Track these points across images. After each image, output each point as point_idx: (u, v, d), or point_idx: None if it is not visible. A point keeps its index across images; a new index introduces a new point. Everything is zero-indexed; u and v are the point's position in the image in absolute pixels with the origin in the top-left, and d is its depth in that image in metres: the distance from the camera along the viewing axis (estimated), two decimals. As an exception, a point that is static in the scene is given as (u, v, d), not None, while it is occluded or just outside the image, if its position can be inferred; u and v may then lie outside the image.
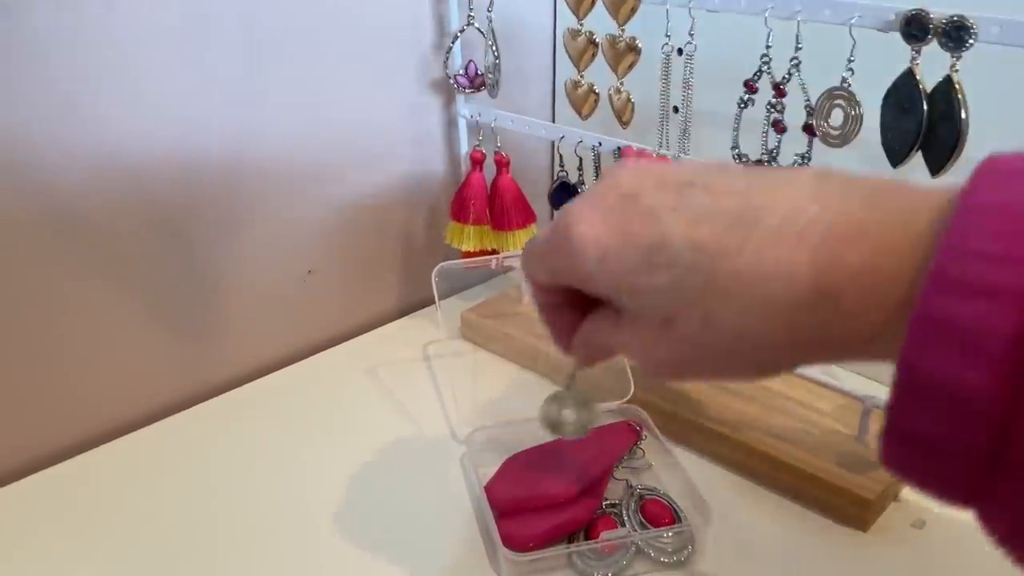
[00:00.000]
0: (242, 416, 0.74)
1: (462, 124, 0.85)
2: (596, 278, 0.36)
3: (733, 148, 0.67)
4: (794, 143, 0.64)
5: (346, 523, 0.61)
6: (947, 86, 0.53)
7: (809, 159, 0.63)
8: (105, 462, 0.68)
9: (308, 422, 0.73)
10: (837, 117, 0.59)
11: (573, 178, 0.79)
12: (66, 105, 0.62)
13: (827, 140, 0.60)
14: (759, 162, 0.66)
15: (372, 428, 0.72)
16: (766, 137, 0.64)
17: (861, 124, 0.58)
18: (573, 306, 0.42)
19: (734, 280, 0.32)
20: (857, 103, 0.58)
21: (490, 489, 0.60)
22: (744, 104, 0.65)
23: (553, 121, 0.94)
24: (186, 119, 0.69)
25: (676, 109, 0.70)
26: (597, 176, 0.76)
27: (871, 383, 0.75)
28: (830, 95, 0.59)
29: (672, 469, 0.63)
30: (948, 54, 0.53)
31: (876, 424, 0.64)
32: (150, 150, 0.68)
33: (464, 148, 0.86)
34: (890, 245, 0.29)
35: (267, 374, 0.80)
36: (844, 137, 0.59)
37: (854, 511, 0.61)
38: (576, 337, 0.42)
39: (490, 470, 0.63)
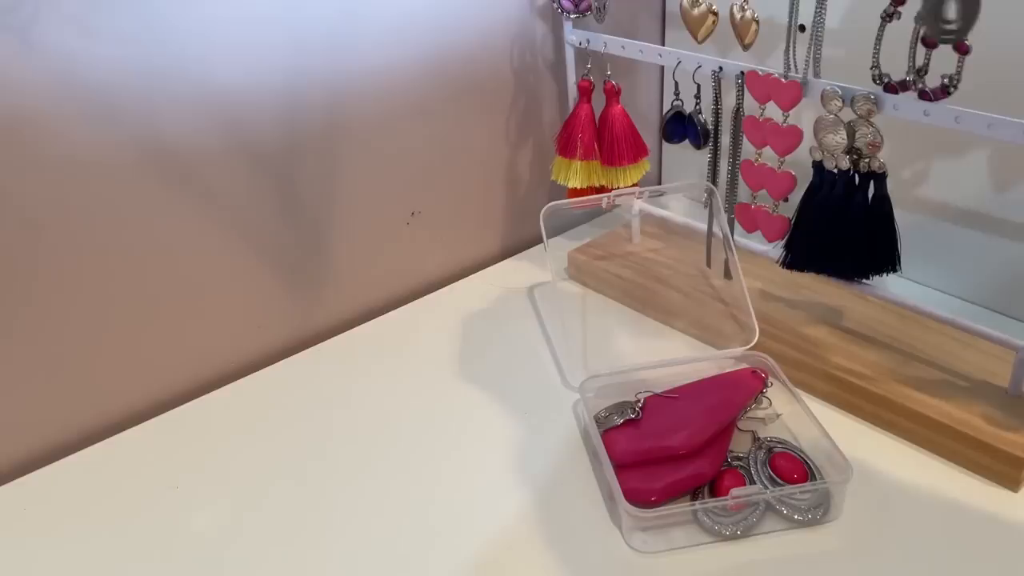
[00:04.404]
0: (346, 362, 0.73)
1: (569, 52, 0.81)
2: None
3: (872, 67, 0.60)
4: (940, 65, 0.57)
5: (454, 472, 0.60)
6: None
7: (959, 81, 0.56)
8: (212, 410, 0.68)
9: (413, 367, 0.71)
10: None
11: (689, 107, 0.74)
12: (170, 48, 0.61)
13: None
14: (903, 83, 0.59)
15: (479, 373, 0.70)
16: (914, 53, 0.58)
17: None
18: None
19: None
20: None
21: (608, 439, 0.58)
22: (888, 18, 0.58)
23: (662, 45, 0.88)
24: (287, 59, 0.67)
25: (802, 28, 0.63)
26: (716, 104, 0.71)
27: (1024, 328, 0.69)
28: None
29: (802, 420, 0.59)
30: None
31: (1032, 374, 0.59)
32: (252, 92, 0.66)
33: (572, 78, 0.81)
34: None
35: (371, 319, 0.78)
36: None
37: (1004, 469, 0.56)
38: None
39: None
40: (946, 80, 0.57)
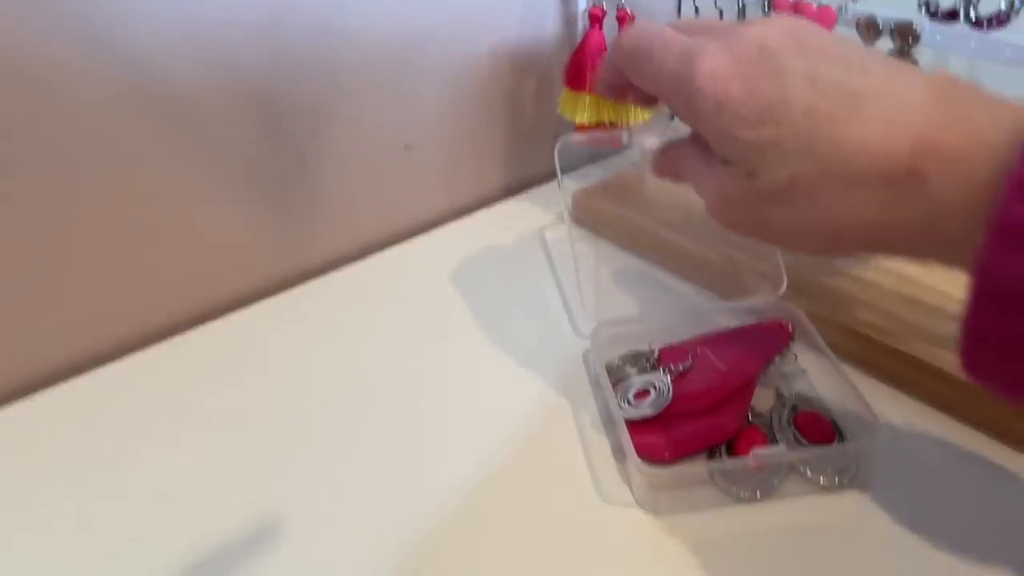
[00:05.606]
0: (336, 303, 0.68)
1: (581, -25, 0.75)
2: (705, 121, 0.38)
3: (920, -5, 0.55)
4: None
5: (453, 421, 0.55)
6: None
7: (1022, 6, 0.51)
8: (198, 346, 0.63)
9: (410, 310, 0.66)
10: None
11: (711, 37, 0.68)
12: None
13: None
14: (952, 13, 0.54)
15: (479, 318, 0.65)
16: (968, -20, 0.52)
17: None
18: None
19: (832, 146, 0.34)
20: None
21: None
22: (943, -62, 0.53)
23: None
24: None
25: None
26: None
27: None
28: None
29: (831, 377, 0.55)
30: None
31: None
32: (241, 21, 0.60)
33: (582, 4, 0.76)
34: (988, 140, 0.30)
35: (363, 257, 0.73)
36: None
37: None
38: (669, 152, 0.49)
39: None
40: (1005, 6, 0.51)
